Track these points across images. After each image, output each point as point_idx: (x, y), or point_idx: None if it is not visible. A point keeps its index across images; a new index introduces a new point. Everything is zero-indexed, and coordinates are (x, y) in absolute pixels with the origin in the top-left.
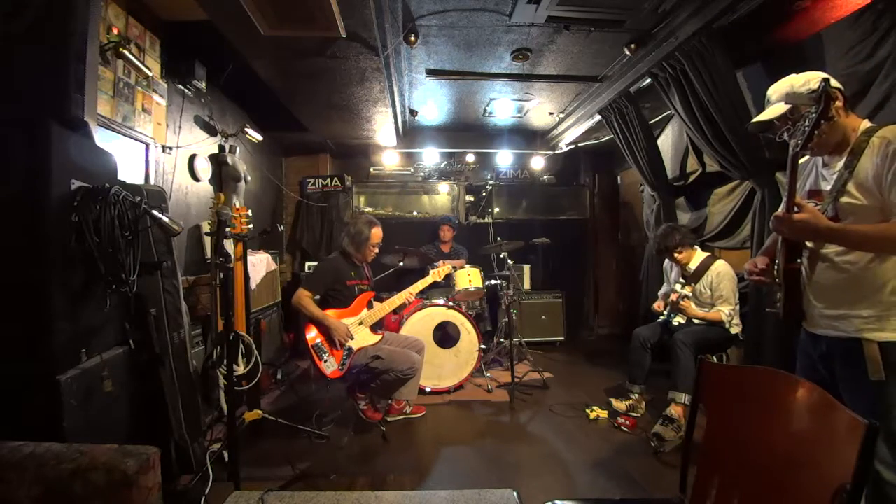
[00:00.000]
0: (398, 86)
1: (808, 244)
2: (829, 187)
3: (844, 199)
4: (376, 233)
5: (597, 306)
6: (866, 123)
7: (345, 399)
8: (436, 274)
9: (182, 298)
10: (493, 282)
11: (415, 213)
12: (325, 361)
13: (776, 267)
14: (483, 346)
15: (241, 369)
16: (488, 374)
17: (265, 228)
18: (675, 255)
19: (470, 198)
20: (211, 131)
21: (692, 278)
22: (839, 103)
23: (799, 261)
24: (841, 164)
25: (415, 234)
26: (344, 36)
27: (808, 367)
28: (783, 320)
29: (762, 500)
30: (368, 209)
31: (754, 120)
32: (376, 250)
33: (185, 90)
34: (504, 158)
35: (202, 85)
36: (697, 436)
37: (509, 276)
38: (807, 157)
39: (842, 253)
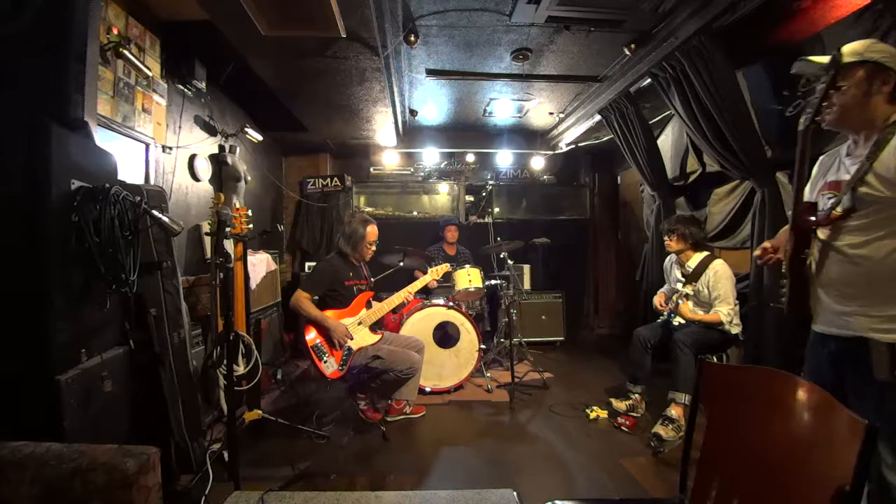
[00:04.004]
0: (398, 86)
1: (821, 235)
2: (848, 177)
3: (863, 189)
4: (372, 231)
5: (597, 306)
6: None
7: (345, 399)
8: (434, 272)
9: (182, 298)
10: (493, 282)
11: (415, 213)
12: (325, 362)
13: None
14: (483, 346)
15: (241, 369)
16: (488, 374)
17: (265, 228)
18: (667, 239)
19: (470, 198)
20: (211, 131)
21: (691, 277)
22: (887, 87)
23: (807, 251)
24: (864, 154)
25: (415, 234)
26: (344, 36)
27: (817, 369)
28: (788, 315)
29: (762, 501)
30: (368, 209)
31: (809, 58)
32: (373, 248)
33: (185, 90)
34: (504, 158)
35: (202, 85)
36: (697, 436)
37: (509, 276)
38: (831, 151)
39: (857, 246)
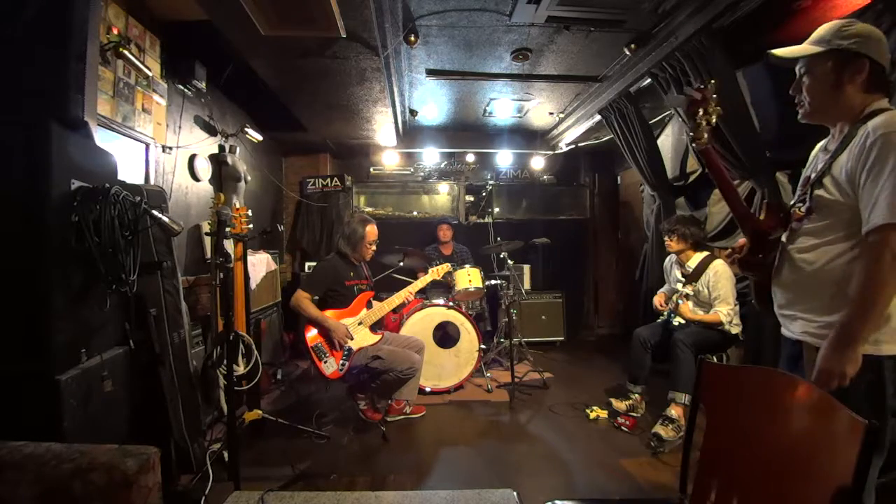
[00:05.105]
0: (398, 86)
1: (783, 238)
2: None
3: (818, 192)
4: (371, 230)
5: (597, 306)
6: (880, 104)
7: (345, 399)
8: (435, 272)
9: (182, 298)
10: (493, 282)
11: (415, 213)
12: (325, 362)
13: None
14: (483, 346)
15: (241, 369)
16: (488, 374)
17: (265, 228)
18: (667, 239)
19: (470, 198)
20: (211, 131)
21: (691, 277)
22: (860, 77)
23: (760, 256)
24: (832, 151)
25: (415, 234)
26: (344, 36)
27: (786, 369)
28: (760, 309)
29: (762, 501)
30: (368, 209)
31: (775, 51)
32: (373, 248)
33: (185, 90)
34: (504, 158)
35: (202, 85)
36: (697, 436)
37: (509, 276)
38: (822, 142)
39: (802, 250)
